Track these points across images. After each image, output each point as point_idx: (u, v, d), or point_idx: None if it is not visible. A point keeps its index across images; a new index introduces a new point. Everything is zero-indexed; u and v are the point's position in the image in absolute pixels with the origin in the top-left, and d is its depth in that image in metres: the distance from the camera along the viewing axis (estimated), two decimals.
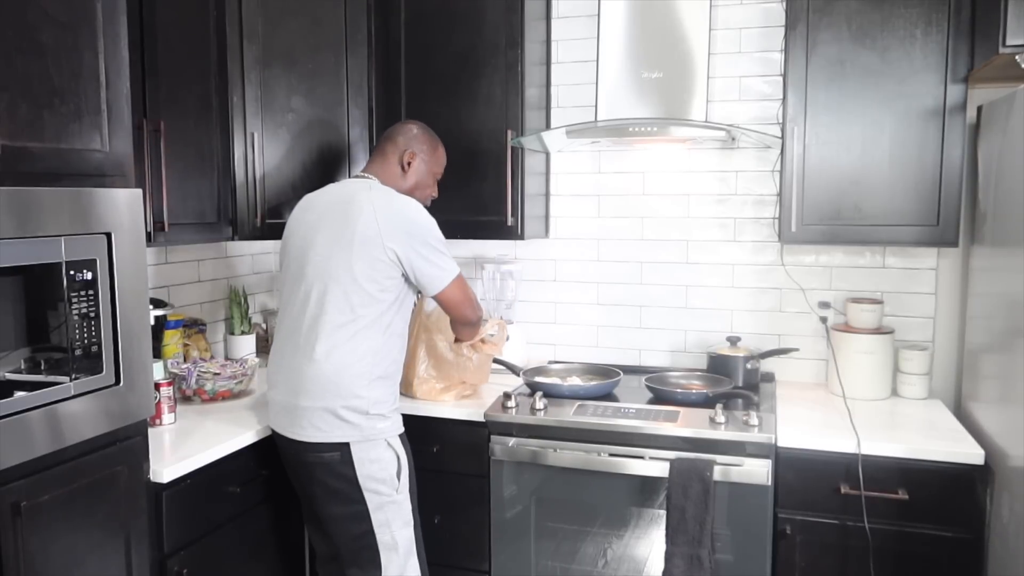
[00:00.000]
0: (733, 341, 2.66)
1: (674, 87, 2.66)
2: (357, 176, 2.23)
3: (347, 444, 2.01)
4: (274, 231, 2.58)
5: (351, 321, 2.02)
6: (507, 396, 2.39)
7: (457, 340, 2.42)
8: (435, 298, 2.15)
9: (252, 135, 2.51)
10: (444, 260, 2.09)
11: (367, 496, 2.02)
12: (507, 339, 2.59)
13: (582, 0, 2.81)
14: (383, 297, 2.04)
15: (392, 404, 2.10)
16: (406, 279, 2.07)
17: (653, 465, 2.20)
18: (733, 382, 2.52)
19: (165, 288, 2.68)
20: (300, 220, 2.17)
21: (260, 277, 3.20)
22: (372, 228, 2.00)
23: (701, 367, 2.71)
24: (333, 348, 2.01)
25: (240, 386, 2.50)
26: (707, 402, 2.38)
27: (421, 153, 2.24)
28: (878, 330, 2.49)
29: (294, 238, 2.15)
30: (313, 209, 2.15)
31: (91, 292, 1.67)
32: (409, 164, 2.22)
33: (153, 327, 2.19)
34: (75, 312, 1.64)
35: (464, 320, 2.25)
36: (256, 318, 3.13)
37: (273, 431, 2.15)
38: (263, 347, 3.04)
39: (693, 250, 2.81)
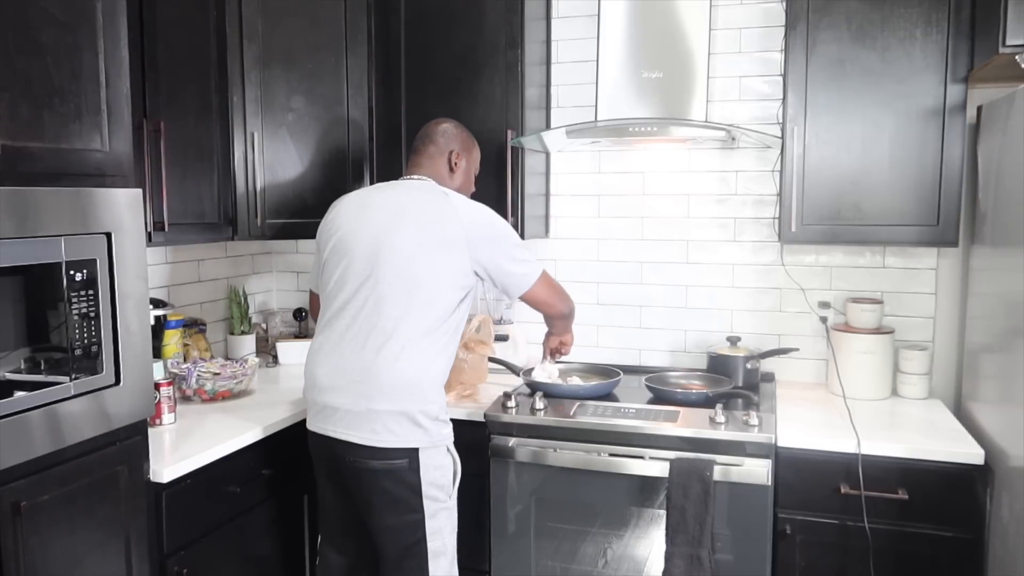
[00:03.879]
0: (733, 341, 2.66)
1: (674, 87, 2.66)
2: (410, 177, 2.15)
3: (416, 449, 1.95)
4: (274, 231, 2.59)
5: (431, 326, 1.98)
6: (507, 396, 2.39)
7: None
8: (522, 299, 2.17)
9: (252, 135, 2.51)
10: (526, 262, 2.11)
11: (426, 503, 1.97)
12: (494, 336, 2.58)
13: (582, 0, 2.81)
14: (457, 303, 2.03)
15: (447, 410, 2.07)
16: (478, 283, 2.07)
17: (653, 465, 2.20)
18: (733, 382, 2.52)
19: (165, 288, 2.68)
20: (361, 217, 2.05)
21: (260, 277, 3.20)
22: (459, 235, 1.99)
23: (701, 367, 2.71)
24: (417, 352, 1.96)
25: (240, 386, 2.50)
26: (707, 402, 2.37)
27: (464, 152, 2.22)
28: (878, 330, 2.49)
29: (359, 235, 2.02)
30: (376, 208, 2.05)
31: (91, 292, 1.67)
32: (456, 164, 2.20)
33: (153, 327, 2.19)
34: (75, 312, 1.64)
35: (556, 315, 2.29)
36: (256, 318, 3.13)
37: (320, 436, 2.03)
38: (263, 347, 3.04)
39: (693, 250, 2.81)
